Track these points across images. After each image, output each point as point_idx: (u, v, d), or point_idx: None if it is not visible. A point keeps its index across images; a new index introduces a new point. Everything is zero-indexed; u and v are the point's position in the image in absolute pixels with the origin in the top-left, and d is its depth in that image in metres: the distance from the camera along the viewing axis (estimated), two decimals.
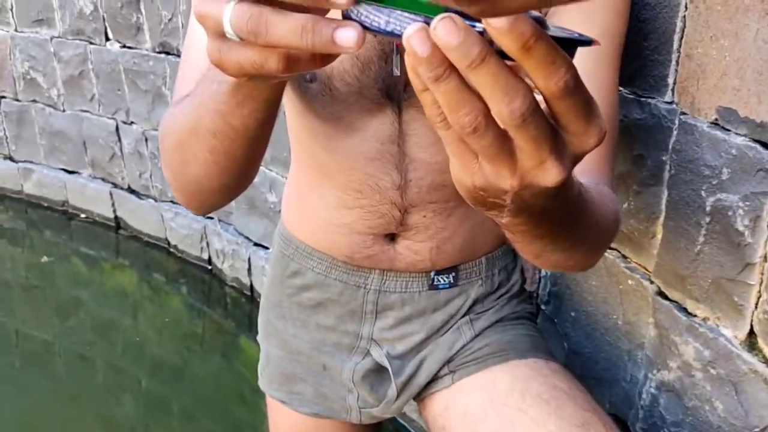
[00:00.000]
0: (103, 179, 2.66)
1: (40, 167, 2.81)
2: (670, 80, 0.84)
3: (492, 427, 0.79)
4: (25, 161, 2.84)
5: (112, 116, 2.46)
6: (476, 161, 0.37)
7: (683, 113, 0.83)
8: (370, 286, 0.86)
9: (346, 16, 0.34)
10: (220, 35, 0.39)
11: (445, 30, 0.31)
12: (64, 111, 2.61)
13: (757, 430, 0.79)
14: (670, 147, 0.86)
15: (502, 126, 0.34)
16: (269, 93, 0.50)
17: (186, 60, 0.69)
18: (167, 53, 2.15)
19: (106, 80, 2.40)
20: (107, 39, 2.32)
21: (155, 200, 2.48)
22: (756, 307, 0.77)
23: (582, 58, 0.63)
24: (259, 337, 0.99)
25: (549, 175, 0.36)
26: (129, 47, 2.26)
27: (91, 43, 2.37)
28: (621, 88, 0.91)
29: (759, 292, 0.77)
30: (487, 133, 0.34)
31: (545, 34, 0.30)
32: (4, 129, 2.77)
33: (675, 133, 0.85)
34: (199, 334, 2.30)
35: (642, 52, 0.87)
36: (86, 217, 2.81)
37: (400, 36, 0.32)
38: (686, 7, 0.80)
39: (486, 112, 0.34)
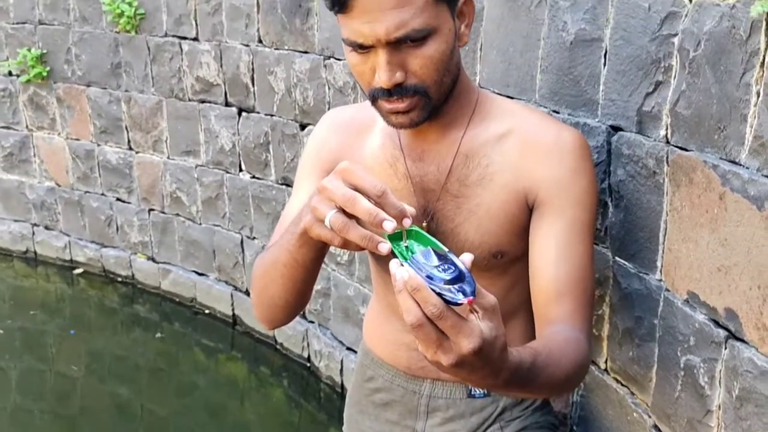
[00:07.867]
0: (226, 282, 3.06)
1: (177, 268, 3.24)
2: (659, 263, 1.13)
3: None
4: (164, 262, 3.30)
5: (239, 231, 2.90)
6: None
7: (667, 290, 1.11)
8: (423, 392, 1.17)
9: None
10: (321, 221, 0.78)
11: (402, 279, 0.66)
12: (200, 224, 3.07)
13: None
14: (659, 314, 1.13)
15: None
16: (317, 244, 0.87)
17: (282, 226, 1.06)
18: (288, 185, 2.60)
19: (237, 203, 2.85)
20: (240, 170, 2.81)
21: None
22: None
23: (562, 240, 0.96)
24: (344, 428, 1.32)
25: (443, 359, 0.67)
26: (257, 178, 2.73)
27: (227, 173, 2.86)
28: (626, 263, 1.20)
29: None
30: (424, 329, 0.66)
31: (431, 294, 0.64)
32: (150, 235, 3.27)
33: (662, 304, 1.12)
34: (295, 423, 2.57)
35: (640, 239, 1.16)
36: (209, 313, 3.17)
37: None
38: (667, 213, 1.09)
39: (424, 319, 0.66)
